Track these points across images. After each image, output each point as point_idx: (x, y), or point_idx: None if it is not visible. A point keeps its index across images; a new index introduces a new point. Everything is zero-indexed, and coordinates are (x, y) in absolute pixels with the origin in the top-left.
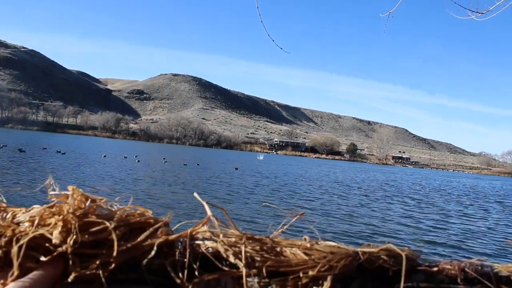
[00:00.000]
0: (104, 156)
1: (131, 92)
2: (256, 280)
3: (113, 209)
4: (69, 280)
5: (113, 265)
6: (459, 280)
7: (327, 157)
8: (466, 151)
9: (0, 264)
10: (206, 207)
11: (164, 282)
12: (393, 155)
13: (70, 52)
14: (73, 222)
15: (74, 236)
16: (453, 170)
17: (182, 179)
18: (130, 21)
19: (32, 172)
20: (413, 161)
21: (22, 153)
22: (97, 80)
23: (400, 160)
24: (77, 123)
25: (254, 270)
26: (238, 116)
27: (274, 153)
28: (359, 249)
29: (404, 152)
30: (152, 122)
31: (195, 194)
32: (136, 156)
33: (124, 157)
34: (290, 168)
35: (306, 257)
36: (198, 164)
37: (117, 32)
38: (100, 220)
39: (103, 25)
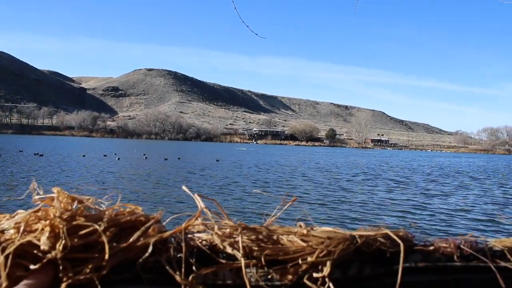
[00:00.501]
0: (83, 156)
1: (106, 89)
2: (254, 270)
3: (102, 209)
4: (62, 287)
5: (106, 268)
6: (455, 258)
7: (307, 144)
8: (443, 130)
9: None
10: (198, 199)
11: (160, 280)
12: (372, 138)
13: (40, 52)
14: (61, 226)
15: (63, 241)
16: (431, 150)
17: (165, 174)
18: (99, 16)
19: (11, 176)
20: (392, 143)
21: None
22: (70, 79)
23: (379, 143)
24: (53, 123)
25: (253, 260)
26: (216, 107)
27: (254, 142)
28: (355, 233)
29: (382, 135)
30: (129, 119)
31: (184, 187)
32: (115, 154)
33: (104, 156)
34: (271, 157)
35: (304, 244)
36: (179, 158)
37: (86, 28)
38: (89, 223)
39: (71, 22)
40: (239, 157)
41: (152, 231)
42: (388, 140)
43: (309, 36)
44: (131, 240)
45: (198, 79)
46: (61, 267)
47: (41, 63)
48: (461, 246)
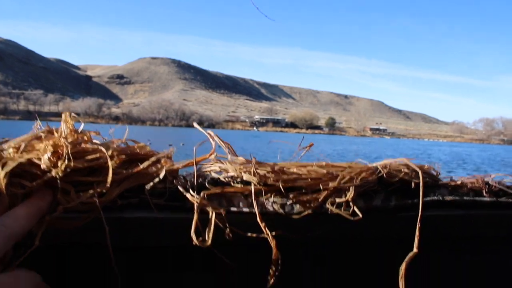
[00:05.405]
0: None
1: (111, 77)
2: (272, 198)
3: (110, 140)
4: (59, 209)
5: (112, 194)
6: (484, 193)
7: (307, 132)
8: (439, 120)
9: None
10: (210, 137)
11: (169, 205)
12: (371, 127)
13: (46, 40)
14: (65, 146)
15: (66, 161)
16: (428, 139)
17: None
18: (104, 5)
19: None
20: (389, 132)
21: None
22: (76, 67)
23: (377, 132)
24: (59, 110)
25: (269, 187)
26: (218, 95)
27: (255, 130)
28: (377, 164)
29: (381, 124)
30: (134, 106)
31: (195, 125)
32: None
33: None
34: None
35: (324, 171)
36: (183, 144)
37: (92, 17)
38: (96, 147)
39: (77, 10)
40: (239, 142)
41: (164, 163)
42: (386, 129)
43: (309, 26)
44: (141, 166)
45: (201, 67)
46: (60, 188)
47: (48, 51)
48: (490, 182)
